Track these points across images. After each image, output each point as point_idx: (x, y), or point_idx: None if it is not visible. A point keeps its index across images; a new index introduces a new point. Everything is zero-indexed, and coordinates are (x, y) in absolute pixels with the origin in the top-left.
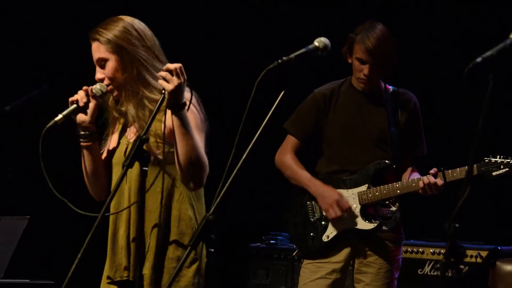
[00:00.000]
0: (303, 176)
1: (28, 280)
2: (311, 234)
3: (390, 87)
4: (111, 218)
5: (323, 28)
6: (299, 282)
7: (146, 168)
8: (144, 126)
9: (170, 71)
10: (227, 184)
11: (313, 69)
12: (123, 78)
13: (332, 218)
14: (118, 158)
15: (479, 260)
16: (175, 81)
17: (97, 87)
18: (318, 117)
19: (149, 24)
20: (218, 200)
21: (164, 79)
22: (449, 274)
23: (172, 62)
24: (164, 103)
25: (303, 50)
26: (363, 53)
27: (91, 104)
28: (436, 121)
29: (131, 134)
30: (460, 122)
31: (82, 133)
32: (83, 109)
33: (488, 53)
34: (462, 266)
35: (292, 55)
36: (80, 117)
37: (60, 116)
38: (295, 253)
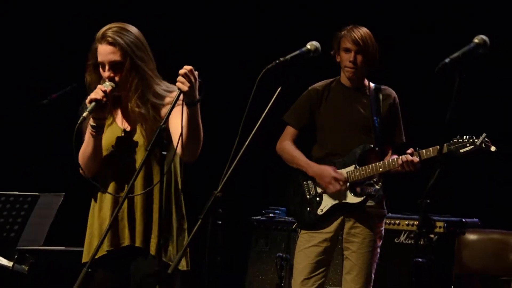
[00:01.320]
0: (301, 159)
1: (63, 247)
2: (308, 209)
3: (373, 84)
4: (111, 198)
5: (314, 32)
6: (296, 249)
7: (165, 153)
8: (145, 118)
9: (183, 75)
10: (232, 166)
11: (306, 68)
12: (130, 78)
13: (331, 192)
14: (109, 143)
15: (446, 230)
16: (187, 83)
17: (107, 84)
18: (312, 109)
19: (156, 26)
20: (225, 179)
21: (180, 81)
22: (421, 242)
23: (184, 64)
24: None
25: (297, 52)
26: (349, 43)
27: (107, 102)
28: (412, 109)
29: (124, 123)
30: (432, 110)
31: (96, 125)
32: (102, 106)
33: (455, 55)
34: (432, 236)
35: (288, 56)
36: (99, 113)
37: (86, 113)
38: (294, 225)
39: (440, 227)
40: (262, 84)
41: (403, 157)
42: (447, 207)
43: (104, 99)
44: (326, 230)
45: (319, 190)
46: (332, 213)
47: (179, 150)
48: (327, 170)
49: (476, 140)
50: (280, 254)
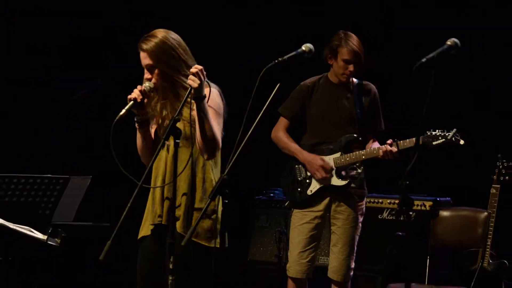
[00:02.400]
0: (293, 147)
1: (91, 223)
2: (299, 189)
3: (356, 80)
4: (152, 179)
5: (308, 35)
6: (291, 226)
7: (178, 140)
8: (175, 111)
9: (194, 74)
10: (237, 152)
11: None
12: (163, 78)
13: (318, 178)
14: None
15: (423, 208)
16: (197, 80)
17: (146, 84)
18: (303, 103)
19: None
20: (230, 164)
21: (191, 79)
22: (401, 218)
23: (198, 62)
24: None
25: (293, 53)
26: (348, 55)
27: (145, 100)
28: (392, 104)
29: (162, 116)
30: (409, 104)
31: (139, 120)
32: (139, 104)
33: (430, 55)
34: (411, 213)
35: (285, 57)
36: (138, 110)
37: (123, 111)
38: (286, 203)
39: (417, 205)
40: (263, 81)
41: (383, 147)
42: (423, 187)
43: (140, 97)
44: (316, 209)
45: (309, 173)
46: (320, 193)
47: (197, 146)
48: (316, 159)
49: (447, 134)
50: (279, 229)
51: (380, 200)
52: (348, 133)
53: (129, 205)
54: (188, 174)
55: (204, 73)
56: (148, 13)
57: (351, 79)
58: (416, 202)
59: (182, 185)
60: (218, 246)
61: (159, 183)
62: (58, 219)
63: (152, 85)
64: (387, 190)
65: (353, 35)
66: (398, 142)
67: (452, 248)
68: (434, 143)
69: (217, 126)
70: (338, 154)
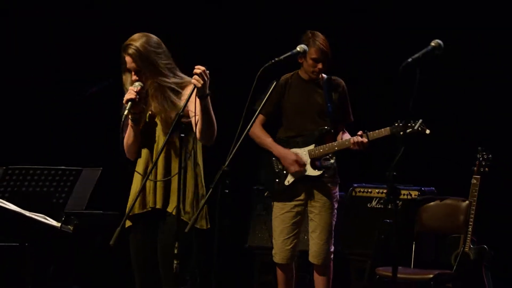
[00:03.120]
0: (269, 142)
1: (101, 211)
2: (277, 180)
3: (325, 76)
4: (142, 169)
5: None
6: (272, 216)
7: (183, 135)
8: (165, 109)
9: (198, 74)
10: (237, 145)
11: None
12: (149, 78)
13: (291, 172)
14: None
15: (409, 197)
16: (201, 80)
17: (136, 84)
18: (277, 99)
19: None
20: (231, 156)
21: (195, 79)
22: (389, 207)
23: (196, 64)
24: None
25: (289, 53)
26: (317, 53)
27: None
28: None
29: (149, 108)
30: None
31: (134, 118)
32: (136, 103)
33: (416, 55)
34: (398, 202)
35: (282, 57)
36: (134, 109)
37: (126, 111)
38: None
39: (404, 195)
40: (260, 79)
41: (354, 138)
42: (410, 178)
43: (137, 97)
44: (296, 198)
45: (287, 169)
46: (297, 183)
47: (198, 135)
48: (290, 154)
49: (414, 124)
50: None
51: (369, 190)
52: (320, 126)
53: (137, 195)
54: (180, 161)
55: (207, 72)
56: (147, 14)
57: (320, 75)
58: (402, 192)
59: (175, 171)
60: (207, 227)
61: (152, 173)
62: (71, 207)
63: (142, 84)
64: (376, 180)
65: (320, 34)
66: (368, 133)
67: (436, 234)
68: (402, 133)
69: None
70: (312, 146)
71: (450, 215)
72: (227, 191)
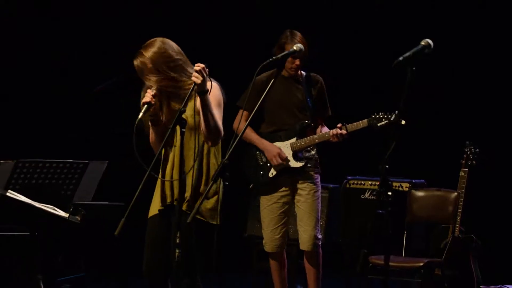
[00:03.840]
0: (253, 136)
1: (107, 202)
2: (261, 172)
3: (304, 72)
4: (162, 165)
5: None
6: (260, 207)
7: (184, 129)
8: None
9: (197, 71)
10: (236, 140)
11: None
12: (162, 83)
13: (274, 164)
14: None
15: (401, 189)
16: (200, 77)
17: (153, 88)
18: (259, 95)
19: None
20: (230, 150)
21: (195, 76)
22: (382, 198)
23: (197, 61)
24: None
25: (286, 52)
26: None
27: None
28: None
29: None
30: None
31: (153, 119)
32: (152, 106)
33: (407, 54)
34: (390, 193)
35: (279, 55)
36: (151, 111)
37: (141, 114)
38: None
39: (395, 186)
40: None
41: (334, 130)
42: (401, 171)
43: (153, 100)
44: (281, 189)
45: (270, 161)
46: (281, 175)
47: (203, 133)
48: (274, 148)
49: (390, 116)
50: None
51: (362, 182)
52: (300, 120)
53: (140, 187)
54: (194, 158)
55: (206, 70)
56: (148, 12)
57: (299, 72)
58: (394, 184)
59: (189, 167)
60: (219, 223)
61: (168, 169)
62: (78, 199)
63: (155, 90)
64: (369, 172)
65: (297, 32)
66: (347, 125)
67: (426, 224)
68: (379, 124)
69: (218, 115)
70: (294, 139)
71: (439, 206)
72: (227, 183)
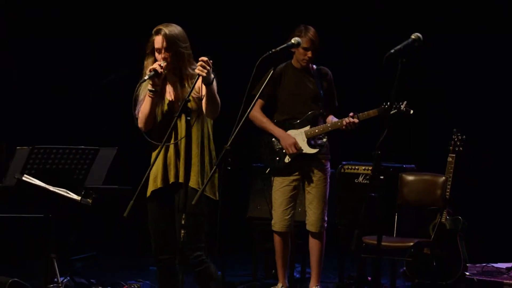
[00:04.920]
0: (270, 125)
1: (116, 186)
2: (277, 158)
3: (314, 66)
4: (163, 148)
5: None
6: (273, 189)
7: (189, 118)
8: (180, 93)
9: (202, 65)
10: (238, 127)
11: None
12: (172, 63)
13: (288, 153)
14: (160, 109)
15: (392, 173)
16: (205, 70)
17: (162, 61)
18: (274, 85)
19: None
20: (233, 136)
21: (199, 69)
22: (374, 182)
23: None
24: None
25: (285, 45)
26: (307, 43)
27: (162, 74)
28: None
29: (169, 95)
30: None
31: (152, 89)
32: (158, 75)
33: (398, 47)
34: (382, 177)
35: (278, 48)
36: (155, 80)
37: (146, 77)
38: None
39: (387, 171)
40: (259, 68)
41: (346, 119)
42: (392, 156)
43: (161, 70)
44: (293, 173)
45: (285, 150)
46: (295, 160)
47: (205, 112)
48: (289, 137)
49: (400, 106)
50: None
51: (356, 167)
52: (312, 110)
53: (148, 172)
54: (198, 141)
55: (211, 62)
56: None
57: (310, 65)
58: (386, 168)
59: (195, 149)
60: (217, 199)
61: (172, 149)
62: (90, 183)
63: (166, 63)
64: (362, 158)
65: (311, 28)
66: (358, 114)
67: (416, 206)
68: (389, 113)
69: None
70: (307, 127)
71: (428, 190)
72: (229, 168)
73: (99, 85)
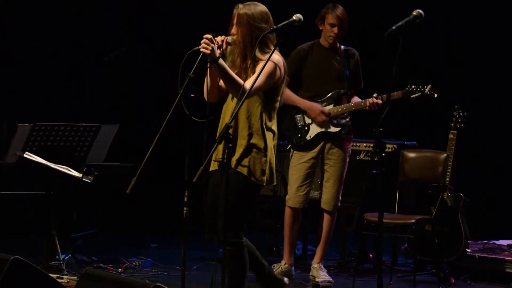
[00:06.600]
0: (295, 97)
1: (118, 163)
2: (298, 135)
3: (343, 46)
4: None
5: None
6: (290, 164)
7: (230, 145)
8: (245, 68)
9: (205, 42)
10: (241, 104)
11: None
12: (242, 39)
13: (318, 122)
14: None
15: (393, 150)
16: (209, 48)
17: (229, 37)
18: (300, 63)
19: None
20: (235, 113)
21: (203, 47)
22: (375, 159)
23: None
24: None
25: (286, 22)
26: (334, 19)
27: (224, 46)
28: (374, 66)
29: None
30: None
31: (211, 60)
32: (218, 47)
33: (399, 23)
34: (383, 154)
35: (279, 25)
36: (214, 52)
37: (196, 48)
38: (289, 146)
39: (389, 148)
40: (262, 43)
41: (370, 100)
42: (394, 133)
43: (221, 43)
44: (313, 151)
45: (307, 121)
46: (317, 138)
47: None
48: (317, 105)
49: (424, 89)
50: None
51: (358, 144)
52: (337, 89)
53: (151, 148)
54: (245, 123)
55: (216, 39)
56: None
57: (338, 45)
58: (387, 145)
59: (241, 130)
60: (265, 184)
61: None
62: (91, 160)
63: (233, 39)
64: (364, 135)
65: (339, 6)
66: (382, 96)
67: (417, 183)
68: (413, 96)
69: (252, 80)
70: (331, 106)
71: (430, 166)
72: (230, 145)
73: (101, 62)
